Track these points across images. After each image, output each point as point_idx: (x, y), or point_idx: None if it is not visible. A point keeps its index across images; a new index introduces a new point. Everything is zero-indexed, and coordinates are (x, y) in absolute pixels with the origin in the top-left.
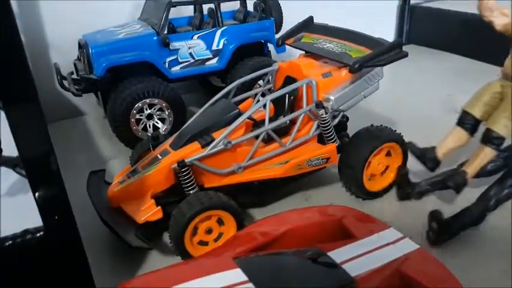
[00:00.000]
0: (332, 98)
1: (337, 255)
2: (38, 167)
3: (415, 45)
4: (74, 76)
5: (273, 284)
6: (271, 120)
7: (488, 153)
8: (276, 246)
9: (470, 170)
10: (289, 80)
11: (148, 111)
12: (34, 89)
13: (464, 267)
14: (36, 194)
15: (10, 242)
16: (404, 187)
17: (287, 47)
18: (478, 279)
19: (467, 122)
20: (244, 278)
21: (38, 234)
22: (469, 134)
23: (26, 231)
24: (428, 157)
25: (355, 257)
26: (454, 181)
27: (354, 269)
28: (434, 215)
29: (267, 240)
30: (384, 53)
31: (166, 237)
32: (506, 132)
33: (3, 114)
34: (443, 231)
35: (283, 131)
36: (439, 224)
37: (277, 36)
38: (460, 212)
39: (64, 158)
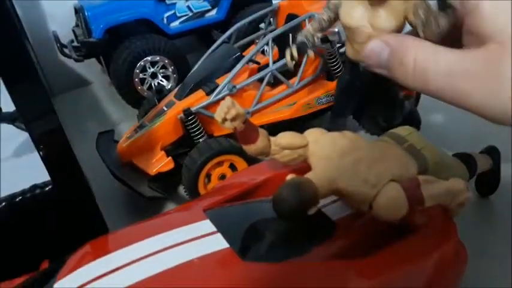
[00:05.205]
0: (337, 30)
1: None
2: (39, 124)
3: None
4: (75, 44)
5: (241, 233)
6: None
7: None
8: (255, 196)
9: None
10: (292, 18)
11: (152, 69)
12: (25, 46)
13: None
14: (41, 151)
15: (20, 197)
16: None
17: None
18: None
19: None
20: (213, 228)
21: (47, 188)
22: None
23: (34, 186)
24: None
25: (335, 201)
26: None
27: (334, 213)
28: None
29: (243, 190)
30: None
31: (181, 190)
32: None
33: None
34: None
35: (290, 72)
36: None
37: None
38: None
39: (75, 127)
